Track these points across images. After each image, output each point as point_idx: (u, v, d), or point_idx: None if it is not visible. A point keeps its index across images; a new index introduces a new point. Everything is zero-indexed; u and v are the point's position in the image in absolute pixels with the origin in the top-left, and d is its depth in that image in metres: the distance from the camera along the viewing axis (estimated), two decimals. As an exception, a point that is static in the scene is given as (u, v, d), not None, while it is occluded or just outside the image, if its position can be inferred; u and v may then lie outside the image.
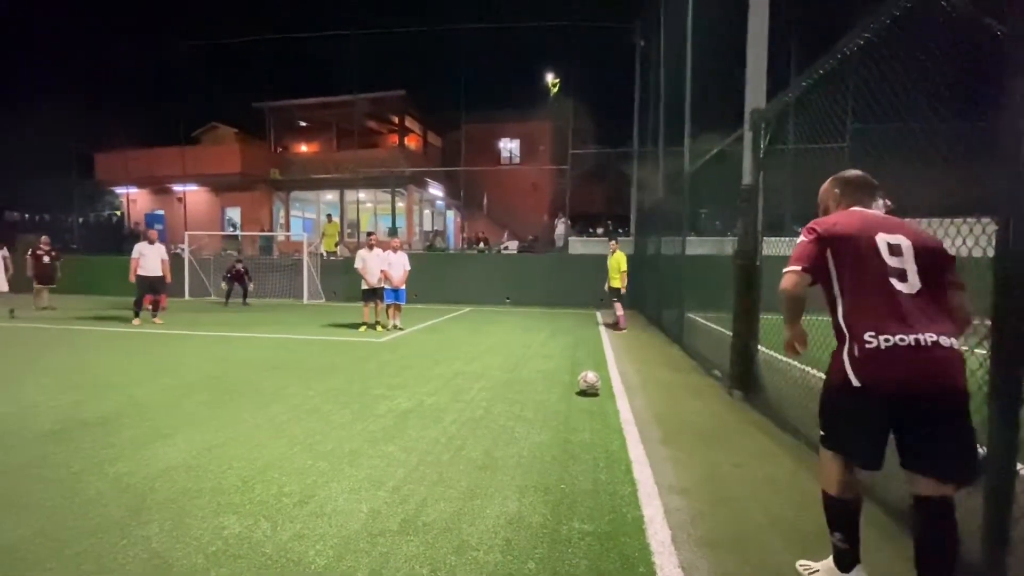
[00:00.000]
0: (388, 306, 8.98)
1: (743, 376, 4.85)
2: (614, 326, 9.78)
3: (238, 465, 3.02)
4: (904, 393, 1.64)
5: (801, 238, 1.90)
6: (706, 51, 7.73)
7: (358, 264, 8.77)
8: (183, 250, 16.04)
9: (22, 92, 22.01)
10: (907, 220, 1.91)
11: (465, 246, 19.28)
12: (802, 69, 3.56)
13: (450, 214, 25.31)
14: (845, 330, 1.78)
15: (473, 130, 19.23)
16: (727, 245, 7.56)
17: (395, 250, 8.97)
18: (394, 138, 21.21)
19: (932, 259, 1.75)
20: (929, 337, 1.63)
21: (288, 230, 20.38)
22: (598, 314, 12.48)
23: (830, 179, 2.11)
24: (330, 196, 21.06)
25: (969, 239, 2.06)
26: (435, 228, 23.45)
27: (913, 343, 1.63)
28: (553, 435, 3.67)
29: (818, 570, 2.00)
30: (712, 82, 8.08)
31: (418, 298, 14.27)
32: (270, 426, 3.76)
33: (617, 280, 9.57)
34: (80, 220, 20.47)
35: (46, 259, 11.44)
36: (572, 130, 16.02)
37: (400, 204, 20.07)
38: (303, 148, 22.48)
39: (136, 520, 2.37)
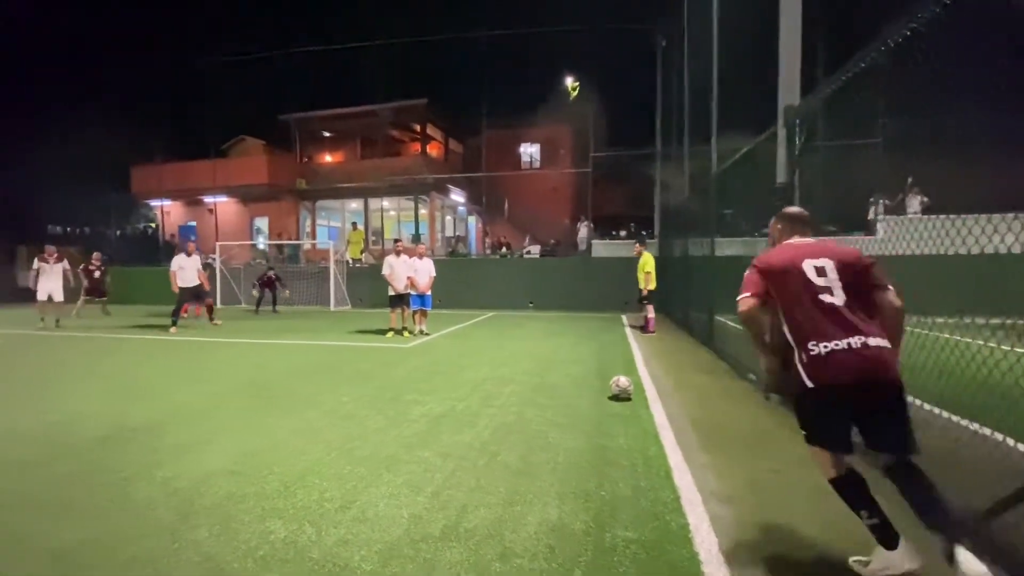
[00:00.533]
0: (414, 312, 9.05)
1: (779, 380, 4.71)
2: (642, 329, 9.67)
3: (279, 470, 3.07)
4: (848, 388, 1.92)
5: (748, 272, 2.27)
6: (732, 49, 7.62)
7: (386, 271, 8.88)
8: (214, 260, 16.49)
9: (62, 112, 23.05)
10: (830, 241, 2.29)
11: (487, 251, 19.35)
12: (829, 67, 3.47)
13: (471, 220, 25.47)
14: (793, 343, 2.08)
15: (494, 135, 19.35)
16: (757, 246, 7.42)
17: (421, 256, 9.06)
18: (416, 146, 21.47)
19: (853, 272, 2.06)
20: (859, 340, 1.93)
21: (314, 238, 20.78)
22: (623, 317, 12.36)
23: (775, 217, 2.47)
24: (354, 204, 21.42)
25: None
26: (456, 234, 23.61)
27: (846, 347, 1.93)
28: (587, 440, 3.62)
29: (869, 560, 2.04)
30: (739, 80, 7.96)
31: (441, 304, 14.35)
32: (307, 432, 3.81)
33: (642, 281, 9.46)
34: (118, 232, 21.27)
35: (97, 274, 12.46)
36: (593, 133, 15.97)
37: (423, 211, 20.27)
38: (327, 158, 22.93)
39: (185, 524, 2.42)
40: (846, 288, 2.05)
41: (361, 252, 17.47)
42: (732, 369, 6.15)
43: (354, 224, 18.81)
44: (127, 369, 6.37)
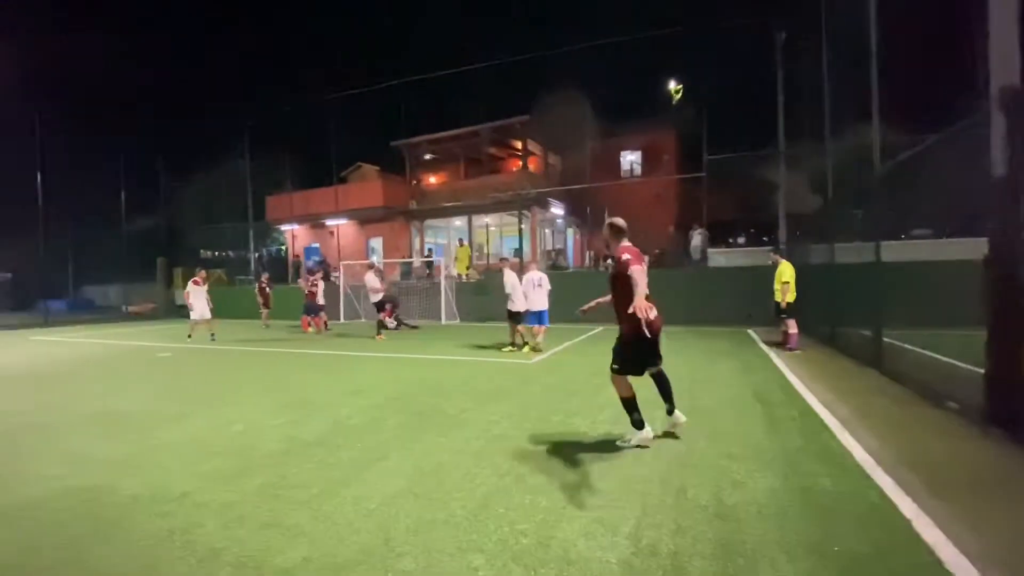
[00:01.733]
0: (532, 328, 8.98)
1: (1005, 411, 3.88)
2: (780, 345, 8.74)
3: (459, 495, 3.00)
4: (654, 335, 3.61)
5: (627, 256, 3.67)
6: (895, 29, 6.69)
7: (509, 287, 8.85)
8: (338, 278, 17.85)
9: (208, 151, 26.56)
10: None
11: (590, 264, 18.96)
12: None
13: (570, 232, 25.25)
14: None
15: (594, 146, 19.06)
16: (945, 250, 6.37)
17: (536, 271, 9.03)
18: (517, 162, 21.80)
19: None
20: (655, 312, 3.48)
21: (423, 255, 21.79)
22: (751, 332, 11.33)
23: (607, 224, 4.11)
24: (458, 222, 22.16)
25: None
26: (556, 247, 23.50)
27: (655, 315, 3.48)
28: (783, 479, 3.17)
29: (631, 438, 3.84)
30: (904, 61, 6.97)
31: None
32: (469, 452, 3.76)
33: (779, 293, 8.56)
34: (256, 255, 23.93)
35: (268, 289, 15.14)
36: (701, 135, 15.06)
37: (523, 225, 20.45)
38: (434, 179, 24.05)
39: (390, 552, 2.39)
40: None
41: (467, 268, 17.95)
42: (919, 395, 5.24)
43: (460, 240, 19.44)
44: (286, 381, 6.92)
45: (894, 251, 7.00)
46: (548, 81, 19.52)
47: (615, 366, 3.81)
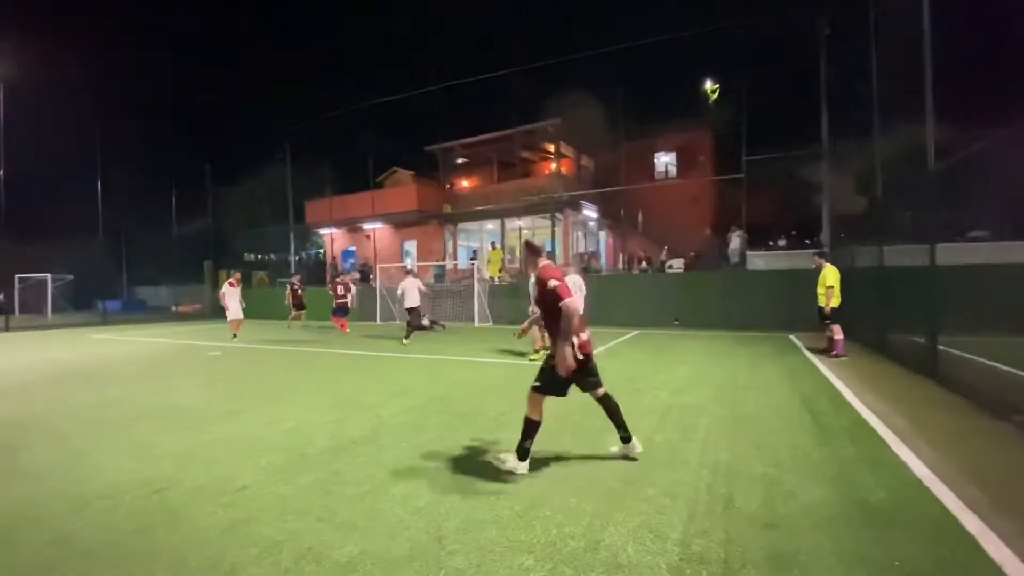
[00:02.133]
0: None
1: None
2: (825, 352, 8.46)
3: (505, 496, 3.05)
4: (588, 358, 3.49)
5: (555, 282, 3.36)
6: (951, 23, 6.40)
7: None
8: (373, 280, 18.27)
9: (251, 159, 27.72)
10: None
11: (624, 266, 18.78)
12: None
13: (602, 235, 25.07)
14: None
15: (627, 147, 18.87)
16: (1002, 251, 6.06)
17: (575, 275, 8.99)
18: (549, 165, 21.82)
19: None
20: (589, 332, 3.56)
21: (456, 259, 22.05)
22: (793, 338, 10.99)
23: (523, 244, 3.90)
24: (491, 225, 22.33)
25: None
26: (588, 249, 23.37)
27: (587, 336, 3.51)
28: (836, 490, 3.08)
29: (507, 460, 3.47)
30: (960, 57, 6.67)
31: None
32: (511, 455, 3.80)
33: (822, 297, 8.28)
34: (296, 258, 24.74)
35: (299, 291, 15.33)
36: (740, 135, 14.71)
37: (555, 228, 20.44)
38: (467, 183, 24.32)
39: (442, 550, 2.46)
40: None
41: (500, 271, 18.06)
42: (978, 406, 4.98)
43: (493, 243, 19.57)
44: (329, 380, 7.15)
45: (949, 254, 6.68)
46: (581, 83, 19.50)
47: (537, 384, 3.50)
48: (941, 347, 6.25)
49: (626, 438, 3.66)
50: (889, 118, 8.42)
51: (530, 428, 3.45)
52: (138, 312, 27.29)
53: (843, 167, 12.85)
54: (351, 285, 14.18)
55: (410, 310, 11.66)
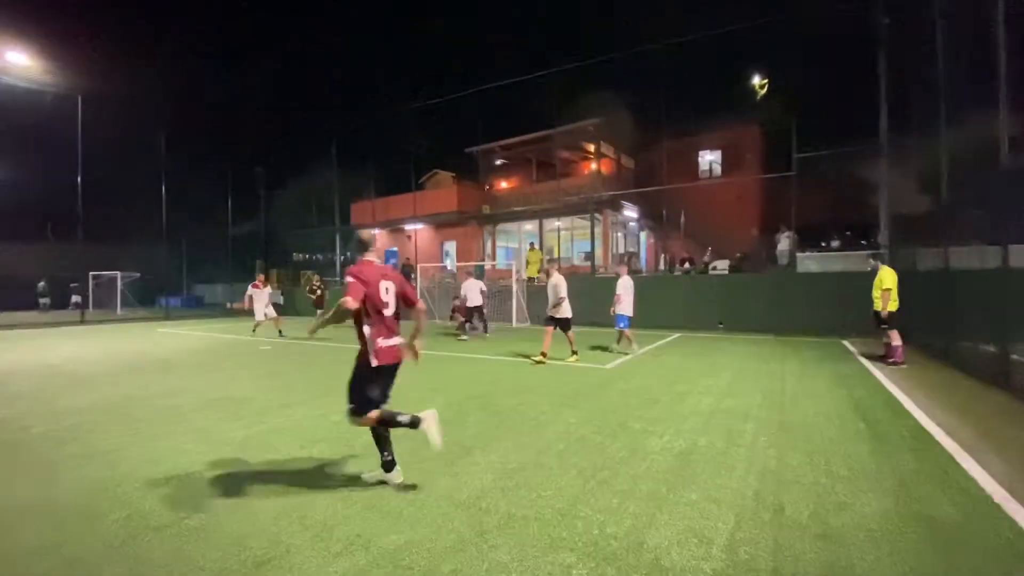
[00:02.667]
0: (619, 332, 9.21)
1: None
2: (882, 358, 8.01)
3: (546, 494, 3.07)
4: (387, 367, 3.24)
5: (349, 279, 3.10)
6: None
7: (563, 292, 8.49)
8: (414, 280, 18.64)
9: (300, 162, 28.77)
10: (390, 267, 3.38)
11: (665, 267, 18.40)
12: None
13: (643, 235, 24.64)
14: (368, 336, 3.17)
15: (669, 146, 18.47)
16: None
17: (627, 276, 9.24)
18: (588, 165, 21.66)
19: (403, 293, 3.34)
20: (396, 340, 3.26)
21: (494, 259, 22.22)
22: (846, 344, 10.46)
23: (359, 240, 3.41)
24: (529, 226, 22.37)
25: None
26: (629, 250, 23.03)
27: (392, 342, 3.23)
28: (896, 503, 2.93)
29: (376, 472, 3.33)
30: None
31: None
32: (552, 454, 3.82)
33: (878, 301, 7.84)
34: (341, 258, 25.56)
35: (319, 291, 15.70)
36: (790, 132, 14.10)
37: (595, 228, 20.25)
38: (505, 184, 24.47)
39: (484, 543, 2.50)
40: (396, 304, 3.27)
41: (538, 271, 18.06)
42: (1060, 421, 4.60)
43: (531, 244, 19.60)
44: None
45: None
46: (622, 81, 19.21)
47: (351, 406, 3.22)
48: (1015, 356, 5.81)
49: (389, 464, 3.27)
50: (956, 111, 7.88)
51: (379, 440, 3.26)
52: (196, 308, 28.95)
53: (903, 163, 12.12)
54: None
55: (474, 309, 12.23)
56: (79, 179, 19.73)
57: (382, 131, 24.09)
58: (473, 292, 12.17)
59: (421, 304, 3.44)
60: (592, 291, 15.44)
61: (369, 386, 3.20)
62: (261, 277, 13.81)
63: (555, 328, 8.57)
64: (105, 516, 2.86)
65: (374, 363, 3.13)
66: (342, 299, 3.01)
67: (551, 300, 8.63)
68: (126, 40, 38.43)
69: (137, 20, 39.53)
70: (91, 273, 26.78)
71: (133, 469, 3.59)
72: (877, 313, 7.94)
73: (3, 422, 4.94)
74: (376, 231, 25.37)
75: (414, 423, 3.20)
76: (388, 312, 3.21)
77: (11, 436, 4.46)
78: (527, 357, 8.82)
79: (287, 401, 5.72)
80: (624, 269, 10.05)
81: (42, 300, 25.25)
